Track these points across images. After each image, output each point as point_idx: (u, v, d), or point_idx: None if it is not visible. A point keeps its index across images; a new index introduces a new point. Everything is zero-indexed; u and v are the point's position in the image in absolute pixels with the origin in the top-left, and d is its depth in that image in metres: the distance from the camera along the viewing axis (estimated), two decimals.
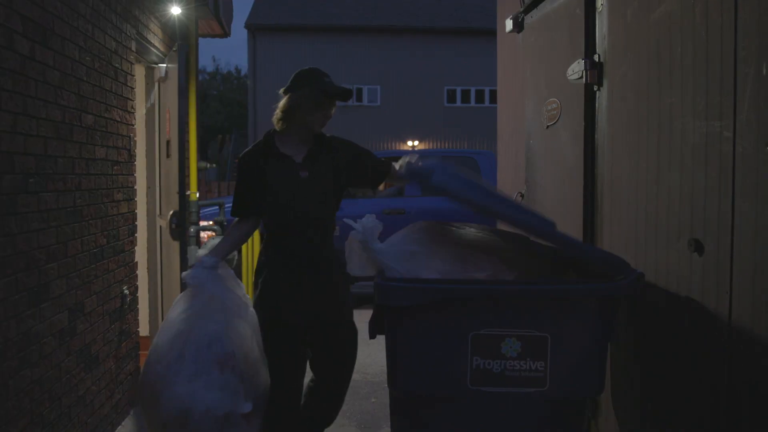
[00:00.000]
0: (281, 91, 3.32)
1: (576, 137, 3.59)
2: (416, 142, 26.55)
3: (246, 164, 3.30)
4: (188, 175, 5.61)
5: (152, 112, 5.56)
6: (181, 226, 5.01)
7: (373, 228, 2.79)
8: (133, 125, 4.65)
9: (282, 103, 3.27)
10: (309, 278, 3.22)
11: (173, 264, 5.16)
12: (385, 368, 2.68)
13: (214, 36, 7.64)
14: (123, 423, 4.32)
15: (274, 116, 3.29)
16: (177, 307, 3.10)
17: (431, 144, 26.61)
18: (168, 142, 5.31)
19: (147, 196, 5.51)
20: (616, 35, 3.18)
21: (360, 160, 3.40)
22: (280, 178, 3.24)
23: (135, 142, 4.71)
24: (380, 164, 3.45)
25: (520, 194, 4.72)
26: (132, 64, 4.65)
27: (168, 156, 5.32)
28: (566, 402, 2.53)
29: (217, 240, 6.81)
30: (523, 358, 2.46)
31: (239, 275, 7.18)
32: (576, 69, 3.47)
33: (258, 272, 3.31)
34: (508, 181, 5.41)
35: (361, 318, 7.90)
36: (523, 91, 4.67)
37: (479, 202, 2.85)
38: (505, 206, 2.92)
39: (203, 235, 7.26)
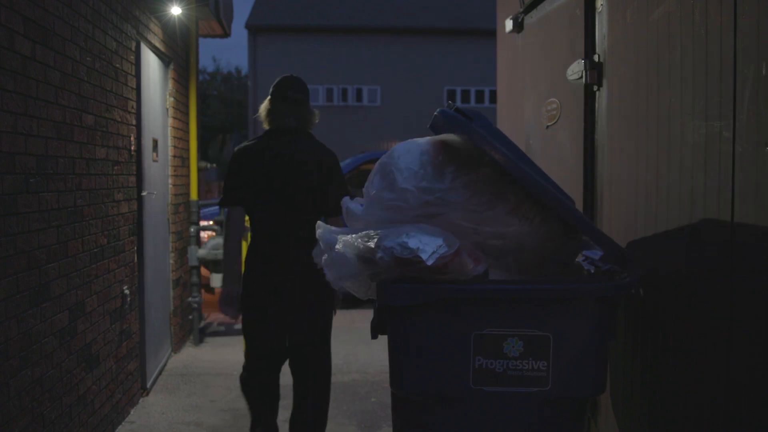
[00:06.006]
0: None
1: (576, 137, 3.60)
2: None
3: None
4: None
5: None
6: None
7: (329, 234, 2.66)
8: (133, 125, 4.65)
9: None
10: None
11: None
12: (385, 368, 2.68)
13: (214, 36, 7.65)
14: (123, 423, 4.33)
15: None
16: None
17: None
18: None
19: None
20: (616, 35, 3.19)
21: None
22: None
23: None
24: None
25: None
26: (132, 64, 4.65)
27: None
28: (568, 401, 2.53)
29: (218, 240, 6.83)
30: (526, 357, 2.46)
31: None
32: (576, 69, 3.47)
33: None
34: None
35: (362, 318, 7.85)
36: (523, 92, 4.67)
37: (506, 154, 2.48)
38: (531, 168, 2.63)
39: (203, 234, 7.26)
